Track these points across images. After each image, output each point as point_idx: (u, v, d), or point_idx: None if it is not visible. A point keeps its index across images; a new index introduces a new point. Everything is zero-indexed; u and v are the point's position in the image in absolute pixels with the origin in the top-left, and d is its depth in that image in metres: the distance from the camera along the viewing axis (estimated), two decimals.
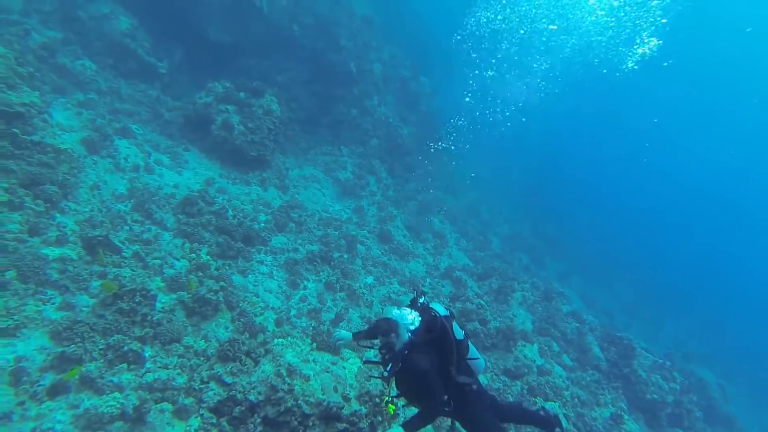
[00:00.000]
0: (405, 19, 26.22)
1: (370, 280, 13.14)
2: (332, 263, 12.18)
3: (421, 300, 4.15)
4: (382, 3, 23.79)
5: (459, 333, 3.97)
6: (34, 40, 12.67)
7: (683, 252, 43.31)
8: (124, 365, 5.98)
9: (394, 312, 3.87)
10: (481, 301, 13.58)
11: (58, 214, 8.00)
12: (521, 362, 11.32)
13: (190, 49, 17.84)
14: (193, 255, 9.11)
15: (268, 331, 8.30)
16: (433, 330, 3.82)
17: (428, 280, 14.88)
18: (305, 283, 11.00)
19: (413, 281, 14.07)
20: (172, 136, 13.79)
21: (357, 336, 4.20)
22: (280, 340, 6.81)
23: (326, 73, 19.34)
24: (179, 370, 6.49)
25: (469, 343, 4.06)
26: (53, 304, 6.56)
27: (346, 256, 13.27)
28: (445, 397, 3.69)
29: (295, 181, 16.05)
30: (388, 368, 3.63)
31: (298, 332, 9.10)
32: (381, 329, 3.76)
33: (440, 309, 4.04)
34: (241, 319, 8.19)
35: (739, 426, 16.06)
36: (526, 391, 10.62)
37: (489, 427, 3.89)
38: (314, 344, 6.85)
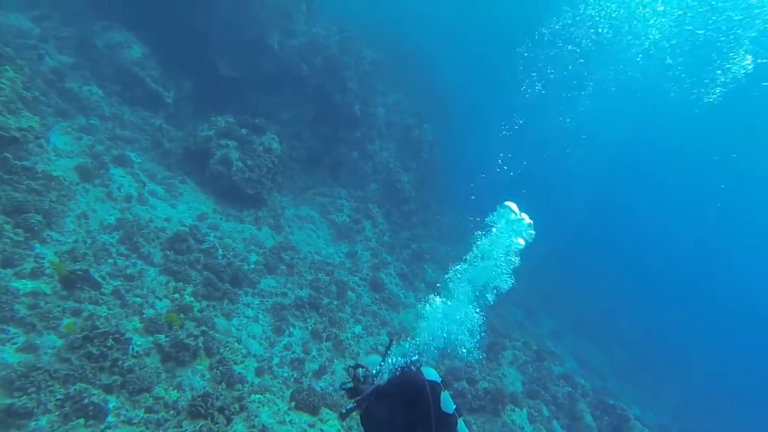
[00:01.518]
0: (412, 67, 26.92)
1: (358, 329, 12.68)
2: (321, 310, 11.77)
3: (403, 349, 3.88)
4: (391, 49, 24.46)
5: (448, 406, 3.57)
6: (46, 65, 12.80)
7: (685, 314, 42.51)
8: (81, 420, 5.49)
9: (368, 358, 3.85)
10: (470, 359, 13.09)
11: (37, 245, 7.68)
12: (509, 428, 10.74)
13: (199, 81, 18.06)
14: (177, 295, 8.72)
15: (247, 382, 7.81)
16: (402, 385, 3.61)
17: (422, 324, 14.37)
18: (291, 329, 10.56)
19: (400, 332, 13.59)
20: (170, 167, 13.67)
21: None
22: (257, 396, 6.37)
23: (331, 114, 19.55)
24: (143, 427, 5.99)
25: (459, 421, 3.63)
26: (14, 344, 6.13)
27: (335, 302, 12.87)
28: None
29: (290, 221, 15.83)
30: (348, 407, 3.64)
31: (278, 383, 8.63)
32: (351, 373, 3.77)
33: (431, 374, 3.68)
34: (220, 367, 7.72)
35: None
36: None
37: None
38: (293, 402, 6.40)
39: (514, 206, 4.72)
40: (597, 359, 24.50)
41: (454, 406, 3.61)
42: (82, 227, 9.00)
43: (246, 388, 7.51)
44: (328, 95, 19.14)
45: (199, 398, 6.20)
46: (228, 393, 7.29)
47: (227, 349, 8.34)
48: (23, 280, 6.97)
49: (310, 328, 11.01)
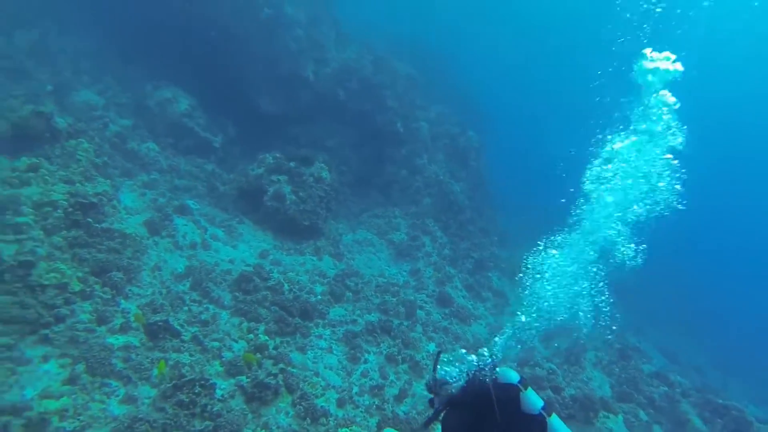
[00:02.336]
0: (449, 77, 27.06)
1: (432, 347, 12.68)
2: (392, 333, 11.91)
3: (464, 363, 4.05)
4: (425, 63, 24.75)
5: (532, 406, 3.58)
6: (110, 130, 14.13)
7: None
8: None
9: (443, 370, 3.97)
10: (552, 365, 12.69)
11: (122, 300, 8.42)
12: None
13: (242, 122, 19.14)
14: (251, 335, 9.19)
15: (331, 415, 8.03)
16: (469, 392, 3.74)
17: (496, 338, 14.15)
18: (366, 356, 10.76)
19: (476, 345, 13.41)
20: (226, 209, 14.49)
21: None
22: (344, 430, 6.55)
23: (374, 135, 19.99)
24: None
25: (551, 419, 3.53)
26: (117, 396, 6.74)
27: (405, 323, 12.97)
28: None
29: (349, 247, 16.21)
30: (427, 417, 3.87)
31: (361, 412, 8.79)
32: (429, 388, 3.99)
33: (510, 376, 3.76)
34: (302, 403, 8.01)
35: None
36: None
37: None
38: None
39: None
40: (687, 351, 22.84)
41: (541, 404, 3.59)
42: (156, 279, 9.75)
43: (331, 422, 7.73)
44: (368, 116, 19.61)
45: None
46: (314, 428, 7.54)
47: (307, 383, 8.64)
48: (116, 335, 7.66)
49: (384, 352, 11.16)
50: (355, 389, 9.64)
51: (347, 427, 6.71)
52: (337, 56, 19.55)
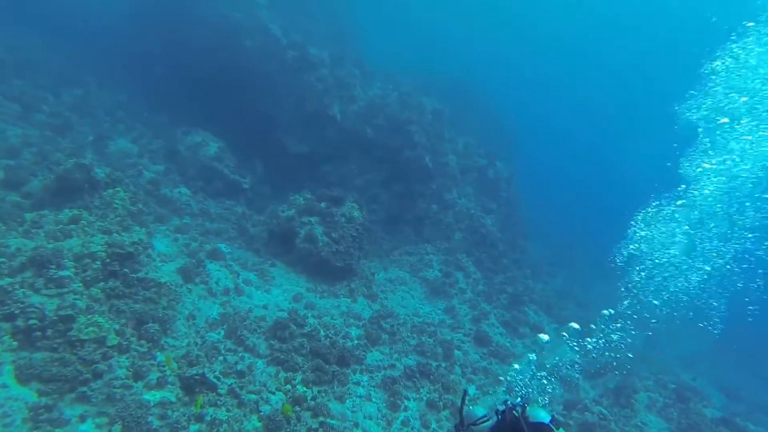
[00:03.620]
0: (474, 107, 27.14)
1: (472, 390, 12.15)
2: (431, 376, 11.47)
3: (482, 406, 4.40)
4: (450, 94, 24.91)
5: None
6: (144, 178, 14.55)
7: None
8: None
9: (466, 411, 4.10)
10: (603, 410, 11.95)
11: (158, 354, 8.35)
12: None
13: (270, 163, 19.48)
14: (288, 386, 8.96)
15: None
16: (503, 428, 3.80)
17: (534, 382, 13.46)
18: (406, 403, 10.33)
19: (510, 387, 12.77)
20: (258, 252, 14.54)
21: None
22: None
23: (403, 171, 19.99)
24: None
25: None
26: None
27: (443, 364, 12.52)
28: None
29: (383, 286, 15.97)
30: None
31: None
32: (457, 429, 4.08)
33: (540, 415, 3.79)
34: None
35: None
36: None
37: None
38: None
39: None
40: (750, 387, 21.23)
41: None
42: (191, 328, 9.70)
43: None
44: (397, 153, 19.69)
45: None
46: None
47: None
48: (152, 392, 7.56)
49: (424, 398, 10.73)
50: None
51: None
52: (363, 94, 19.89)
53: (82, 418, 6.59)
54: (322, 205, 15.08)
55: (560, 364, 10.83)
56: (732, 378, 21.32)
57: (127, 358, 7.80)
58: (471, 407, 4.14)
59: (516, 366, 11.21)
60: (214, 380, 8.39)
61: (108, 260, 8.85)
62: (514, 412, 3.81)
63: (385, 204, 19.75)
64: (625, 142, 60.96)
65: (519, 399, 4.09)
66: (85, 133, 15.23)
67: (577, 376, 12.24)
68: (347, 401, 9.59)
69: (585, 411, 11.94)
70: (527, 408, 3.85)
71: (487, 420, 3.96)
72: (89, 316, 7.64)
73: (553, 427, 3.70)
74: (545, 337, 13.33)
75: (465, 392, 4.39)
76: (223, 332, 10.12)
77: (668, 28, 46.58)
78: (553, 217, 36.91)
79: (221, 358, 9.31)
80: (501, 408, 3.95)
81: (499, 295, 18.24)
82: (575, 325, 11.00)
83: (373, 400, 10.03)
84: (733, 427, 13.40)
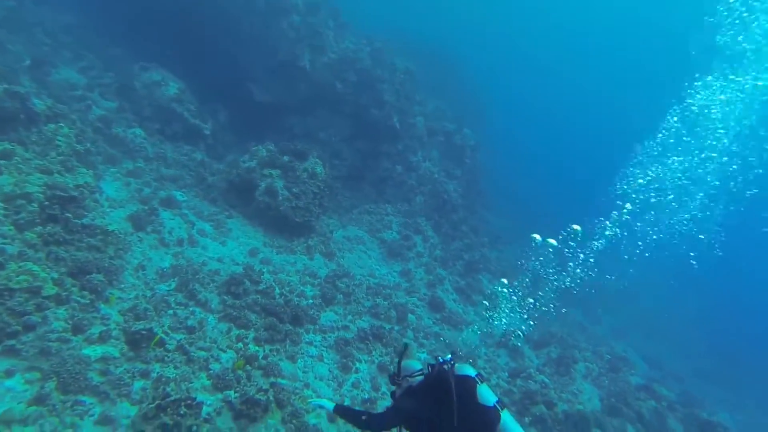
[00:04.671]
0: (446, 71, 26.39)
1: (423, 356, 12.23)
2: (384, 340, 11.40)
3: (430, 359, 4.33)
4: (423, 56, 24.01)
5: (487, 399, 3.70)
6: (93, 114, 13.15)
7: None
8: None
9: (403, 363, 4.14)
10: (545, 378, 12.39)
11: (102, 305, 7.68)
12: None
13: (234, 109, 18.24)
14: (240, 344, 8.57)
15: None
16: (429, 382, 3.88)
17: (483, 350, 13.79)
18: (357, 365, 10.23)
19: (468, 355, 13.04)
20: (215, 202, 13.72)
21: (339, 410, 3.91)
22: None
23: (369, 129, 19.28)
24: None
25: (503, 413, 3.66)
26: (91, 416, 6.07)
27: (397, 328, 12.49)
28: None
29: (340, 244, 15.60)
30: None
31: (351, 428, 8.25)
32: (391, 379, 4.13)
33: (467, 370, 3.89)
34: (293, 421, 7.45)
35: None
36: None
37: None
38: None
39: None
40: (668, 357, 22.95)
41: (496, 399, 3.72)
42: (140, 279, 9.02)
43: None
44: (364, 110, 18.88)
45: None
46: None
47: (297, 397, 8.07)
48: (93, 346, 6.96)
49: (376, 361, 10.65)
50: (347, 402, 9.13)
51: None
52: (336, 46, 18.71)
53: (9, 373, 5.95)
54: (285, 158, 14.28)
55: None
56: (656, 348, 22.89)
57: (65, 310, 7.10)
58: (409, 361, 4.18)
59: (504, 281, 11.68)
60: (163, 335, 7.87)
61: (47, 203, 7.93)
62: (444, 366, 3.88)
63: (349, 161, 19.09)
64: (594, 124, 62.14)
65: (449, 356, 4.03)
66: (19, 54, 13.41)
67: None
68: (299, 361, 9.34)
69: (528, 379, 12.26)
70: (456, 364, 3.94)
71: (422, 374, 4.02)
72: (21, 263, 6.83)
73: (477, 381, 3.80)
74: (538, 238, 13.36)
75: (405, 346, 4.50)
76: (174, 285, 9.50)
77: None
78: (514, 189, 37.40)
79: (171, 311, 8.74)
80: (432, 362, 4.04)
81: (456, 261, 18.34)
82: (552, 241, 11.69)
83: (325, 360, 9.84)
84: (651, 392, 14.34)
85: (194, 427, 6.29)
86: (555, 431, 10.44)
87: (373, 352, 10.89)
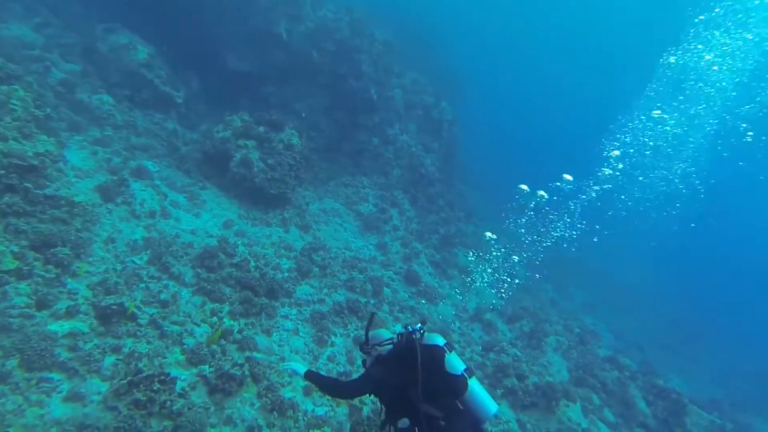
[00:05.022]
0: (425, 44, 25.83)
1: (398, 328, 12.33)
2: (360, 313, 11.41)
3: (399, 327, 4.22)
4: (402, 28, 23.39)
5: (455, 367, 3.80)
6: (54, 77, 12.32)
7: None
8: None
9: (372, 333, 4.12)
10: (517, 352, 12.71)
11: (69, 279, 7.36)
12: (565, 426, 10.37)
13: (207, 78, 17.48)
14: (214, 318, 8.41)
15: (299, 408, 7.49)
16: (397, 351, 3.91)
17: (457, 324, 14.03)
18: (333, 338, 10.22)
19: (443, 328, 13.26)
20: (189, 173, 13.25)
21: (310, 375, 3.98)
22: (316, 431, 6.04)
23: (347, 100, 18.81)
24: None
25: (470, 381, 3.80)
26: (59, 393, 5.87)
27: (372, 301, 12.52)
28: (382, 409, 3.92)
29: (316, 216, 15.39)
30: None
31: (328, 401, 8.29)
32: (361, 348, 4.12)
33: (436, 339, 3.95)
34: (269, 395, 7.42)
35: None
36: None
37: None
38: None
39: None
40: (633, 329, 23.97)
41: (464, 367, 3.81)
42: (110, 252, 8.67)
43: (299, 416, 7.20)
44: (342, 81, 18.36)
45: None
46: (281, 422, 7.01)
47: (273, 371, 8.02)
48: (60, 321, 6.68)
49: (351, 334, 10.67)
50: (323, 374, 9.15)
51: (319, 429, 6.20)
52: (313, 14, 17.96)
53: None
54: (261, 128, 13.83)
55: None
56: (623, 322, 23.84)
57: (28, 285, 6.76)
58: (379, 330, 4.18)
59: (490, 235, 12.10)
60: (135, 310, 7.63)
61: (2, 172, 7.44)
62: (413, 335, 3.90)
63: (325, 132, 18.68)
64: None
65: (419, 325, 4.04)
66: None
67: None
68: (274, 335, 9.25)
69: (501, 353, 12.51)
70: (425, 333, 3.96)
71: (392, 343, 4.02)
72: None
73: (446, 350, 3.84)
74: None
75: (373, 314, 4.50)
76: (146, 258, 9.19)
77: None
78: (488, 164, 37.62)
79: (143, 285, 8.48)
80: (402, 331, 4.06)
81: (432, 235, 18.40)
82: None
83: (301, 334, 9.79)
84: (615, 363, 14.95)
85: (168, 402, 6.18)
86: (526, 402, 10.76)
87: (349, 326, 10.90)
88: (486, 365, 11.80)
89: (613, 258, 32.25)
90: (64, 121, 11.39)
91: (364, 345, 4.12)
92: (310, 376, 3.91)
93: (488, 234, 13.49)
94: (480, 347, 12.81)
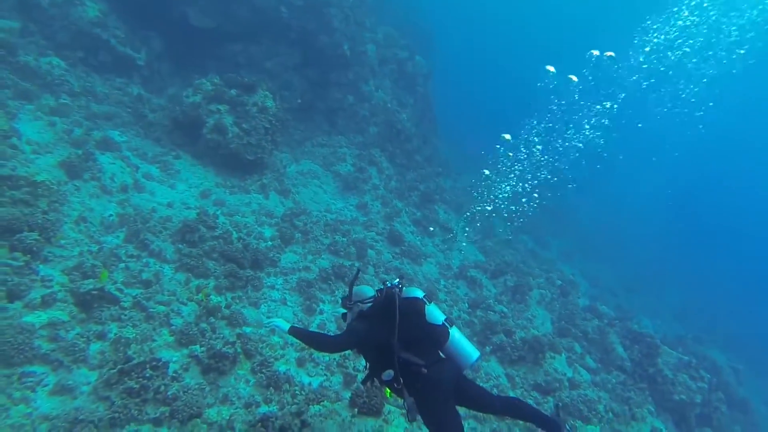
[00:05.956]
0: None
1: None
2: (346, 279, 11.23)
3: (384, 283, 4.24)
4: None
5: (436, 318, 3.91)
6: None
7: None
8: None
9: (356, 289, 4.11)
10: (504, 308, 12.91)
11: (41, 266, 6.81)
12: (552, 376, 10.72)
13: (168, 36, 16.04)
14: (201, 296, 8.04)
15: (295, 383, 7.35)
16: (377, 304, 3.93)
17: (443, 282, 14.09)
18: (321, 306, 10.05)
19: (430, 290, 13.28)
20: (159, 141, 12.41)
21: (294, 330, 3.87)
22: (316, 408, 5.93)
23: (318, 57, 17.75)
24: None
25: (451, 330, 3.91)
26: (45, 387, 5.51)
27: (357, 264, 12.34)
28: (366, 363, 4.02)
29: (294, 179, 14.86)
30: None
31: (321, 370, 8.20)
32: (343, 303, 4.12)
33: (415, 292, 4.04)
34: (263, 370, 7.24)
35: (753, 409, 16.10)
36: (560, 407, 10.08)
37: (439, 417, 3.63)
38: (355, 409, 5.99)
39: None
40: (605, 274, 24.88)
41: (444, 317, 3.92)
42: (83, 233, 8.07)
43: (296, 390, 7.08)
44: (312, 37, 17.23)
45: (259, 424, 5.72)
46: (278, 396, 6.89)
47: (265, 345, 7.82)
48: (36, 312, 6.20)
49: (339, 300, 10.50)
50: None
51: (318, 404, 6.09)
52: None
53: None
54: (233, 92, 12.94)
55: None
56: (594, 266, 24.63)
57: None
58: (362, 286, 4.18)
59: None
60: (116, 292, 7.19)
61: None
62: (393, 290, 3.94)
63: (298, 91, 17.70)
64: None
65: (397, 280, 4.12)
66: None
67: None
68: (262, 306, 8.99)
69: (488, 310, 12.63)
70: (404, 287, 4.03)
71: (373, 299, 4.03)
72: None
73: (425, 302, 3.93)
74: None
75: (358, 270, 4.67)
76: (122, 236, 8.64)
77: None
78: (462, 117, 37.07)
79: (122, 265, 7.98)
80: (381, 287, 4.11)
81: (411, 192, 18.14)
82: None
83: (289, 304, 9.56)
84: (595, 311, 15.50)
85: (162, 387, 5.92)
86: (514, 357, 11.00)
87: (336, 292, 10.70)
88: (474, 323, 11.95)
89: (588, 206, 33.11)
90: (8, 88, 10.30)
91: (347, 300, 4.09)
92: (294, 331, 3.80)
93: (485, 171, 13.49)
94: (467, 305, 12.95)
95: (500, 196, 12.64)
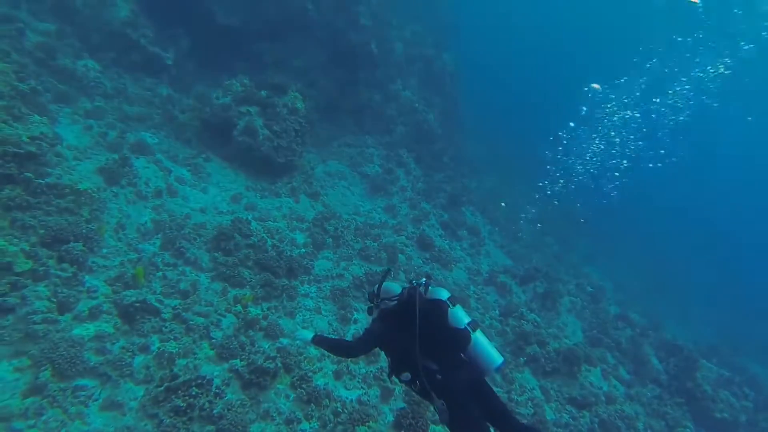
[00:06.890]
0: None
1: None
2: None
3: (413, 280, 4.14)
4: None
5: (458, 321, 3.80)
6: (29, 41, 11.16)
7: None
8: None
9: (384, 285, 4.05)
10: (536, 317, 12.73)
11: (87, 277, 6.93)
12: (588, 390, 10.57)
13: (195, 35, 16.13)
14: (239, 307, 8.11)
15: (333, 398, 7.37)
16: (400, 305, 3.89)
17: (472, 288, 13.98)
18: (355, 315, 10.05)
19: (462, 297, 13.17)
20: (189, 143, 12.51)
21: (317, 340, 3.95)
22: (362, 429, 5.94)
23: (346, 55, 17.67)
24: None
25: (474, 334, 3.76)
26: (95, 401, 5.64)
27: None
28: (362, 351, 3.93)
29: (322, 181, 14.86)
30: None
31: (358, 383, 8.19)
32: (369, 297, 4.10)
33: (440, 293, 3.97)
34: (303, 385, 7.27)
35: None
36: (597, 425, 9.94)
37: (460, 423, 3.52)
38: (401, 431, 5.97)
39: None
40: (631, 279, 24.40)
41: (467, 321, 3.80)
42: (122, 241, 8.19)
43: (337, 406, 7.10)
44: (340, 35, 17.15)
45: None
46: (319, 412, 6.93)
47: (303, 357, 7.84)
48: (85, 324, 6.33)
49: (366, 295, 10.52)
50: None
51: (364, 425, 6.10)
52: None
53: None
54: (263, 93, 12.96)
55: None
56: (621, 272, 24.17)
57: (46, 287, 6.33)
58: (391, 283, 4.09)
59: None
60: (156, 304, 7.29)
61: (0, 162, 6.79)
62: (415, 290, 3.88)
63: (325, 90, 17.65)
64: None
65: (423, 279, 4.02)
66: None
67: None
68: (297, 316, 9.03)
69: (521, 319, 12.45)
70: (430, 287, 3.95)
71: (397, 299, 3.96)
72: None
73: (449, 304, 3.84)
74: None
75: (388, 270, 4.57)
76: (158, 243, 8.75)
77: None
78: (490, 116, 36.63)
79: (159, 274, 8.10)
80: (406, 286, 4.05)
81: (438, 194, 18.00)
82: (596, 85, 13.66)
83: (323, 313, 9.57)
84: (627, 320, 15.22)
85: (207, 405, 5.99)
86: (548, 368, 10.86)
87: (366, 294, 10.70)
88: (506, 332, 11.82)
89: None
90: (49, 92, 10.47)
91: (374, 296, 4.06)
92: (317, 341, 3.88)
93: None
94: (498, 312, 12.82)
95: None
